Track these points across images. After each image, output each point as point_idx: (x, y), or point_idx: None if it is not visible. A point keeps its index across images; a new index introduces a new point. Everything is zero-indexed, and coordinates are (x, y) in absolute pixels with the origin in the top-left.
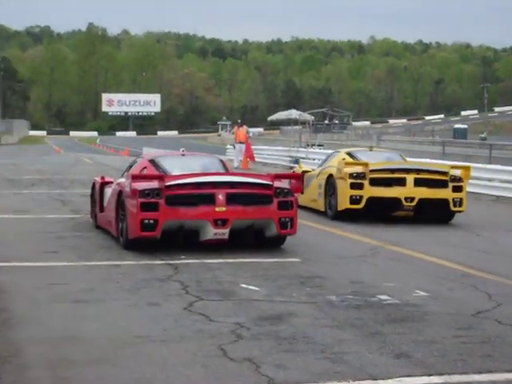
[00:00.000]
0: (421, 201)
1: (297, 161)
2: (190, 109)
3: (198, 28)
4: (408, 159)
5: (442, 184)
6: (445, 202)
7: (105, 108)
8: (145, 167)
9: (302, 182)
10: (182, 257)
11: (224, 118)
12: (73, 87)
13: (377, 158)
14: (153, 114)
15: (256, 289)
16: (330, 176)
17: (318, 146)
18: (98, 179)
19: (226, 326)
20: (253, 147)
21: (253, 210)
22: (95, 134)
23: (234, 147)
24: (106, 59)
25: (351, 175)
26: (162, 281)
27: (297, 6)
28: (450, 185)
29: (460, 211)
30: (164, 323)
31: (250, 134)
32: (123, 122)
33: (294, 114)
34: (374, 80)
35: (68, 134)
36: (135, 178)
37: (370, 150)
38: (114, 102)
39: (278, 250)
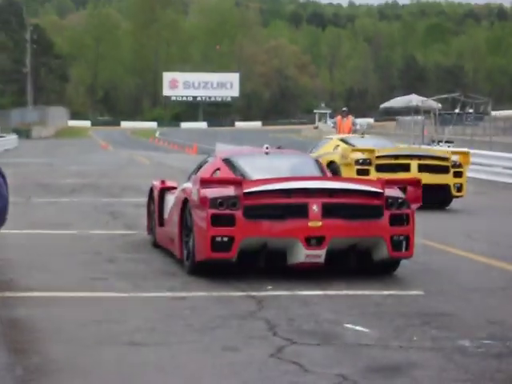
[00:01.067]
0: (424, 186)
1: None
2: (277, 93)
3: None
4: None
5: (444, 170)
6: (446, 187)
7: (167, 91)
8: (218, 169)
9: (421, 190)
10: (269, 287)
11: (322, 104)
12: (125, 65)
13: (371, 145)
14: (229, 99)
15: (365, 330)
16: (332, 162)
17: (447, 142)
18: (158, 184)
19: (325, 378)
20: None
21: (357, 225)
22: (154, 125)
23: None
24: (168, 28)
25: (357, 162)
26: (242, 318)
27: None
28: (451, 170)
29: (460, 196)
30: (245, 374)
31: (358, 127)
32: (190, 109)
33: (414, 100)
34: None
35: (118, 125)
36: (205, 182)
37: (362, 137)
38: (179, 84)
39: (391, 279)
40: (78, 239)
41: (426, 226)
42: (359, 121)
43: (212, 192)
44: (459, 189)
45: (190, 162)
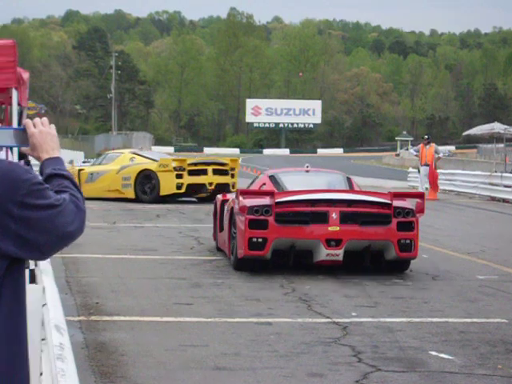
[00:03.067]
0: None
1: None
2: (359, 120)
3: (370, 15)
4: None
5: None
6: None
7: (249, 118)
8: (264, 183)
9: (424, 202)
10: (353, 314)
11: (404, 132)
12: (208, 91)
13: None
14: (311, 126)
15: (450, 357)
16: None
17: None
18: (220, 196)
19: None
20: (442, 171)
21: (369, 230)
22: (236, 151)
23: (419, 171)
24: (251, 54)
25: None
26: (326, 344)
27: None
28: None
29: None
30: None
31: (441, 155)
32: (273, 135)
33: (497, 128)
34: None
35: (201, 151)
36: (245, 193)
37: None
38: (262, 111)
39: (474, 307)
40: (162, 264)
41: (508, 253)
42: (441, 148)
43: (250, 201)
44: None
45: None
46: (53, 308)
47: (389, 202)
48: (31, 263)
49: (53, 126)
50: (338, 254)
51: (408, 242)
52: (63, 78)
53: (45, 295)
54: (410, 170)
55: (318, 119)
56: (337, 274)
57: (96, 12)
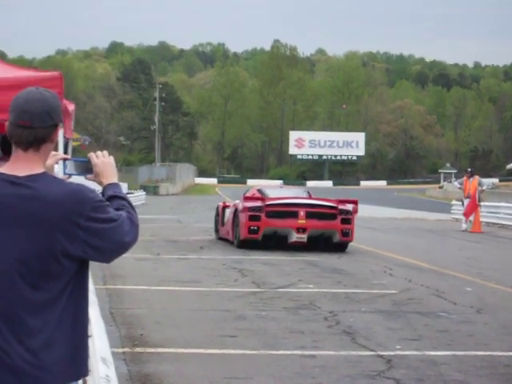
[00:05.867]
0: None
1: None
2: (403, 152)
3: (414, 48)
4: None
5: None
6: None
7: (292, 150)
8: (254, 193)
9: (357, 206)
10: (398, 347)
11: (448, 164)
12: (252, 122)
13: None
14: (355, 158)
15: None
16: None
17: None
18: (221, 204)
19: None
20: (486, 203)
21: (323, 223)
22: (279, 183)
23: (463, 203)
24: (295, 86)
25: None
26: (371, 378)
27: None
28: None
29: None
30: None
31: (484, 187)
32: (316, 168)
33: None
34: None
35: (245, 183)
36: (247, 199)
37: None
38: (305, 143)
39: None
40: (206, 296)
41: None
42: (485, 181)
43: (249, 204)
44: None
45: None
46: (99, 340)
47: (336, 205)
48: None
49: (111, 157)
50: (304, 237)
51: (347, 231)
52: (107, 109)
53: (91, 327)
54: (454, 202)
55: (361, 151)
56: (380, 307)
57: (140, 44)
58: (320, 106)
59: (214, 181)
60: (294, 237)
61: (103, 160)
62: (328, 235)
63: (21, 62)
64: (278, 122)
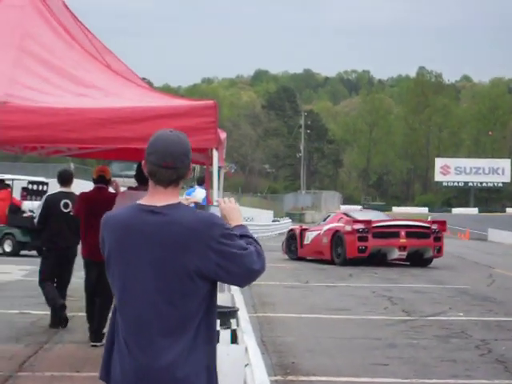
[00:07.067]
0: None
1: None
2: None
3: None
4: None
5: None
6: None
7: (438, 177)
8: (341, 217)
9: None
10: None
11: None
12: (397, 150)
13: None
14: (500, 184)
15: None
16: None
17: None
18: (297, 227)
19: None
20: None
21: (420, 241)
22: (425, 210)
23: None
24: (440, 113)
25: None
26: None
27: None
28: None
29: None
30: None
31: None
32: (462, 194)
33: None
34: None
35: (390, 210)
36: (352, 222)
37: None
38: (451, 170)
39: None
40: (357, 324)
41: None
42: None
43: (357, 226)
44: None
45: (463, 247)
46: (257, 368)
47: (429, 225)
48: (233, 323)
49: (237, 204)
50: (404, 254)
51: (439, 247)
52: (253, 137)
53: (247, 355)
54: None
55: (507, 178)
56: None
57: (285, 71)
58: (465, 132)
59: (358, 208)
60: (396, 254)
61: (229, 205)
62: (422, 252)
63: (166, 91)
64: (423, 148)
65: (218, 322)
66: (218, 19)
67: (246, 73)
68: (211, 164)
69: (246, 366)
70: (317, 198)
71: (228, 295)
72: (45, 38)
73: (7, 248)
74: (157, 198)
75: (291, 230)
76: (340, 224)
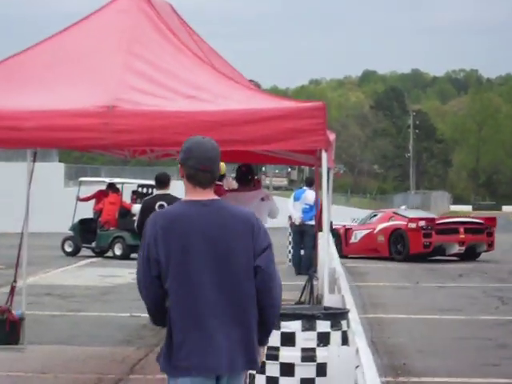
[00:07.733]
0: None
1: None
2: None
3: None
4: None
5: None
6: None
7: None
8: (391, 216)
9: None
10: None
11: None
12: (507, 148)
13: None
14: None
15: None
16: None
17: None
18: (342, 227)
19: None
20: None
21: (476, 236)
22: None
23: None
24: None
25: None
26: None
27: None
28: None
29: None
30: None
31: None
32: None
33: None
34: None
35: (500, 209)
36: (414, 219)
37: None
38: None
39: None
40: (467, 325)
41: None
42: None
43: (421, 223)
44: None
45: None
46: (368, 370)
47: (483, 222)
48: (343, 325)
49: None
50: (462, 249)
51: (491, 242)
52: (361, 137)
53: (358, 357)
54: None
55: None
56: None
57: (393, 71)
58: None
59: (468, 208)
60: (456, 249)
61: None
62: (476, 246)
63: (275, 92)
64: None
65: (329, 323)
66: (325, 20)
67: (353, 73)
68: (320, 165)
69: (356, 367)
70: (426, 198)
71: (338, 296)
72: (153, 42)
73: (117, 251)
74: (199, 196)
75: (334, 229)
76: (396, 222)
